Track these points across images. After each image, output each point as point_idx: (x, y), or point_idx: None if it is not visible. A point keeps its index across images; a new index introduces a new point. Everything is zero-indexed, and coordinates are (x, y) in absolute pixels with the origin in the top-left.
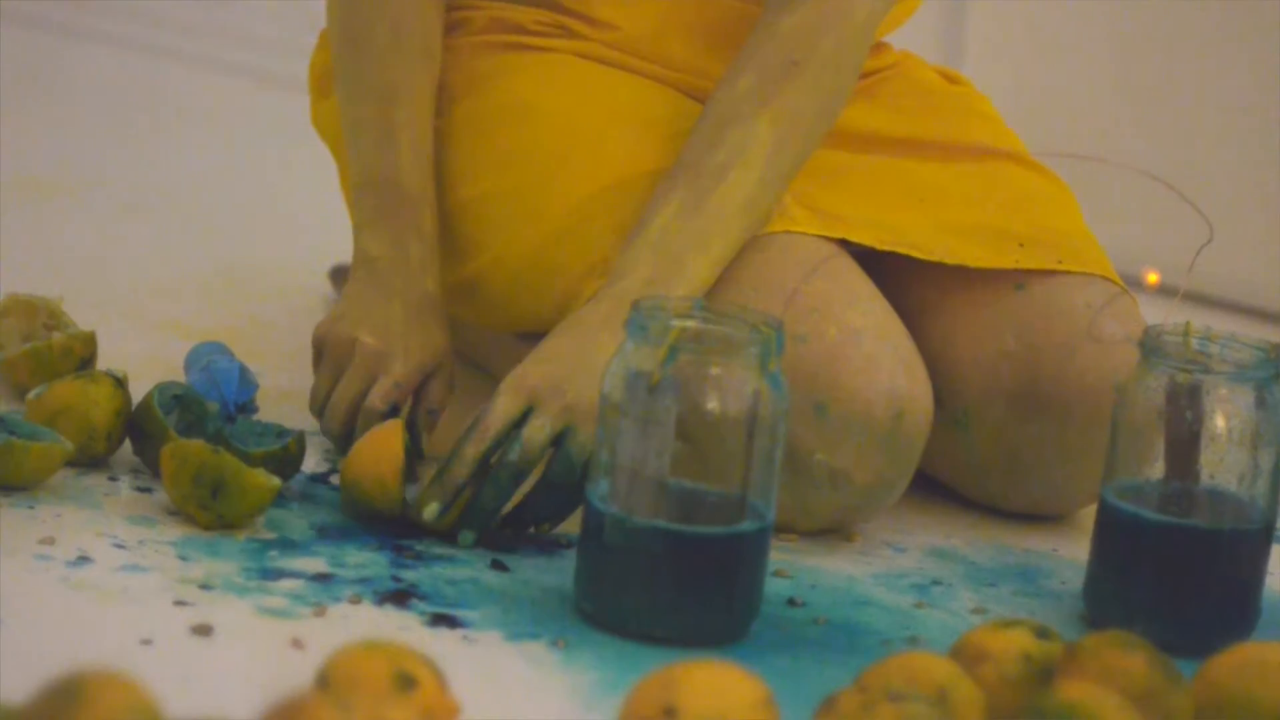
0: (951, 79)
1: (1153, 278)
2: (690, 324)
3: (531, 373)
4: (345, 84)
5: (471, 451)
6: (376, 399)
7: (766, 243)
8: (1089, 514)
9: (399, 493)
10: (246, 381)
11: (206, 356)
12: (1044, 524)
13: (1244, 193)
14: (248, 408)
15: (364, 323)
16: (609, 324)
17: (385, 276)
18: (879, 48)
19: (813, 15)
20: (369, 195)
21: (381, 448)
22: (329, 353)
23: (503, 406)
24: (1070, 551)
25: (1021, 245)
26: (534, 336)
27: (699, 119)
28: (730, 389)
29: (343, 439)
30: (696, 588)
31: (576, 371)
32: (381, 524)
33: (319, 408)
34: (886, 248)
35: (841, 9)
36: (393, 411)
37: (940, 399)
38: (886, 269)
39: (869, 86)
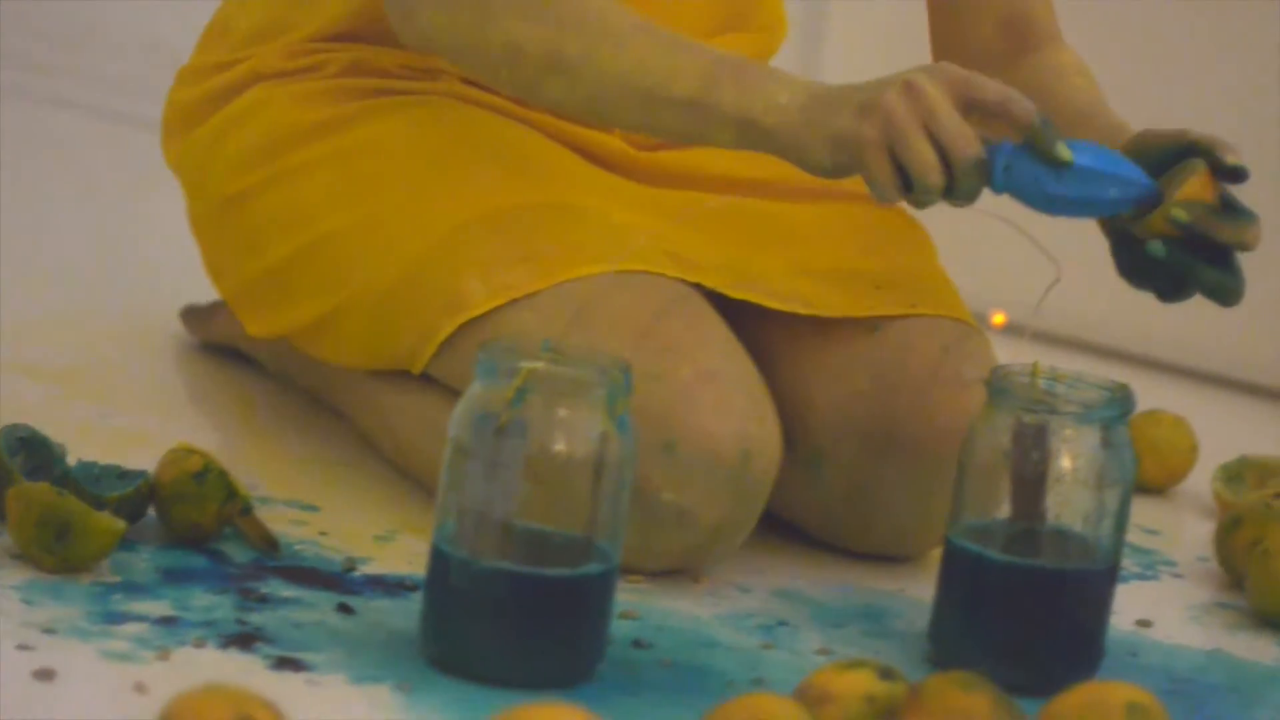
0: None
1: (998, 318)
2: (538, 365)
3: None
4: (590, 68)
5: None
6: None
7: (622, 281)
8: (937, 554)
9: None
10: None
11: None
12: (891, 564)
13: (1092, 232)
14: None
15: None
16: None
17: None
18: None
19: (1071, 58)
20: (719, 86)
21: None
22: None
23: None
24: (917, 592)
25: (878, 288)
26: (390, 375)
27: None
28: (577, 431)
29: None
30: (542, 630)
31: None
32: (230, 565)
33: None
34: (739, 295)
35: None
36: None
37: (793, 440)
38: (741, 309)
39: None
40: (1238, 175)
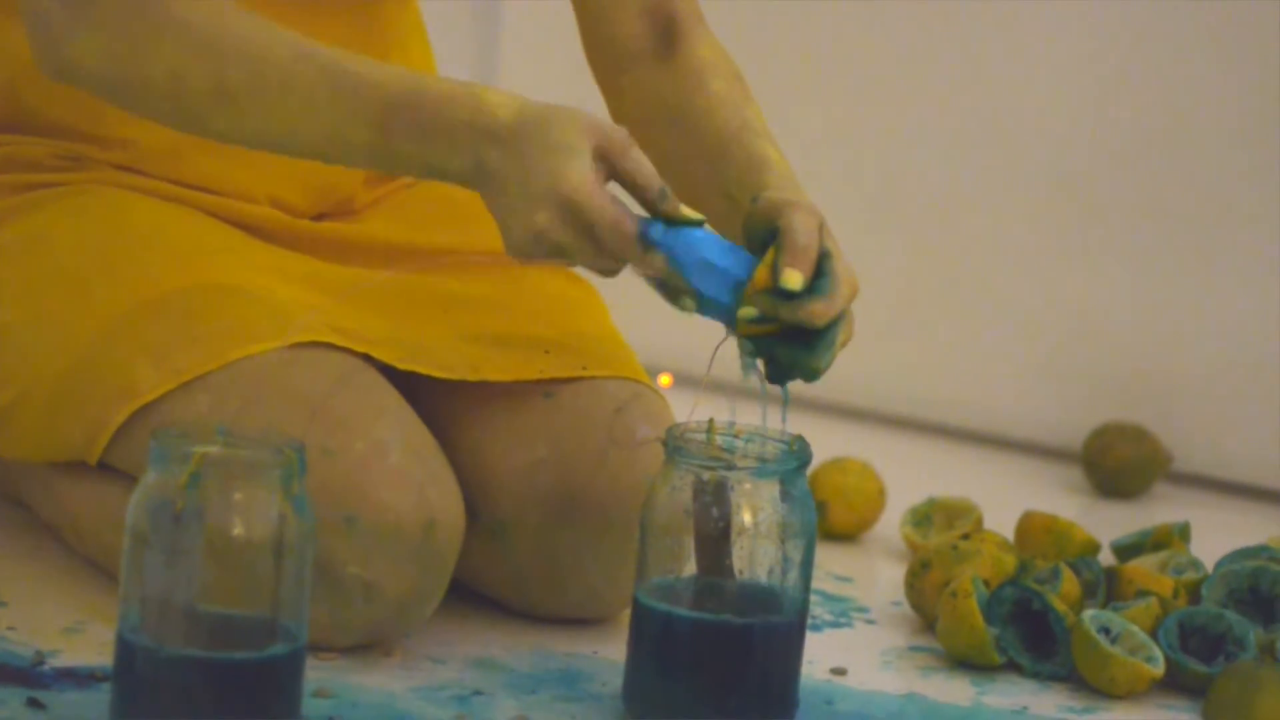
0: None
1: (665, 379)
2: (212, 449)
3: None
4: (240, 103)
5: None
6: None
7: (292, 357)
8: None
9: None
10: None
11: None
12: (584, 627)
13: None
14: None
15: (519, 205)
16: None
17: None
18: None
19: (710, 52)
20: (393, 134)
21: None
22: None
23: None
24: (610, 653)
25: (547, 351)
26: (70, 466)
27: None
28: (255, 513)
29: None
30: (232, 715)
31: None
32: None
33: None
34: (406, 367)
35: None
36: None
37: (476, 510)
38: (418, 382)
39: (390, 195)
40: (783, 295)
